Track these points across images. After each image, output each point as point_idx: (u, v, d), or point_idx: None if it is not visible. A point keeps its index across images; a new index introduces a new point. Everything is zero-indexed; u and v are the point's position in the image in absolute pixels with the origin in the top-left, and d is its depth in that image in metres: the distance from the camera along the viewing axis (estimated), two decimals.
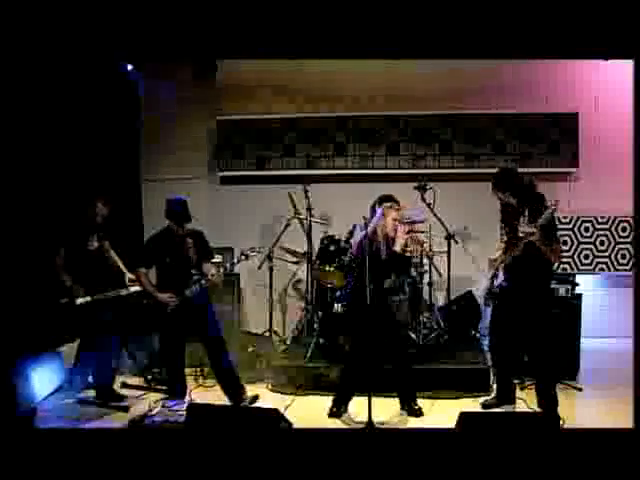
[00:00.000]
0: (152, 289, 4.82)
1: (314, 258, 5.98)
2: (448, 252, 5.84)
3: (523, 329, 4.55)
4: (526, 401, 4.80)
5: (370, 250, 4.44)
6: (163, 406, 4.87)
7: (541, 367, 4.59)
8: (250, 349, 5.67)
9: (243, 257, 4.95)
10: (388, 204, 4.60)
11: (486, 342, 5.62)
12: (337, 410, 4.68)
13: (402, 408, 4.72)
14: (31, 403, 4.80)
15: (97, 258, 5.06)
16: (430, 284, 6.02)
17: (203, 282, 4.80)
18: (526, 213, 4.45)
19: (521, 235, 4.37)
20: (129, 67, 6.18)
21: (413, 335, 5.58)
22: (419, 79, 6.58)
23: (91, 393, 5.14)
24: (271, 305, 6.18)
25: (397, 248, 4.57)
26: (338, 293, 5.64)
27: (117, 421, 4.66)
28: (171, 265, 4.80)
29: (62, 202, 5.40)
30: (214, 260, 5.14)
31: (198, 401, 4.67)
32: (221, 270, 5.02)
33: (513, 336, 4.66)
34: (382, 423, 4.42)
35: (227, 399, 4.88)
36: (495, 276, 4.62)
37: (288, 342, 6.31)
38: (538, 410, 4.56)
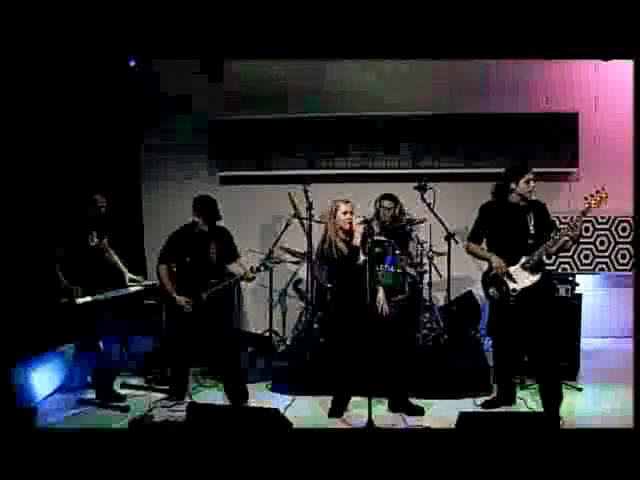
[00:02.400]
0: (171, 289, 4.83)
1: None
2: (448, 252, 5.84)
3: (531, 329, 4.54)
4: (526, 401, 4.81)
5: (335, 254, 4.43)
6: (163, 406, 4.89)
7: (548, 366, 4.58)
8: (250, 349, 5.68)
9: (263, 268, 4.93)
10: (338, 202, 4.53)
11: (486, 342, 5.63)
12: (337, 410, 4.68)
13: (393, 410, 4.68)
14: (31, 403, 4.80)
15: (97, 255, 5.06)
16: (430, 284, 6.02)
17: (220, 286, 4.80)
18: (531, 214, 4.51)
19: (571, 224, 4.44)
20: (132, 63, 6.07)
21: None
22: (419, 78, 6.57)
23: (91, 393, 5.14)
24: (271, 305, 6.18)
25: (357, 241, 4.43)
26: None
27: (117, 421, 4.66)
28: (191, 264, 4.80)
29: (62, 201, 5.40)
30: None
31: (198, 401, 4.67)
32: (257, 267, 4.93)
33: (517, 336, 4.65)
34: (382, 423, 4.42)
35: (228, 400, 4.88)
36: (510, 277, 4.59)
37: (288, 342, 6.32)
38: (538, 410, 4.56)
